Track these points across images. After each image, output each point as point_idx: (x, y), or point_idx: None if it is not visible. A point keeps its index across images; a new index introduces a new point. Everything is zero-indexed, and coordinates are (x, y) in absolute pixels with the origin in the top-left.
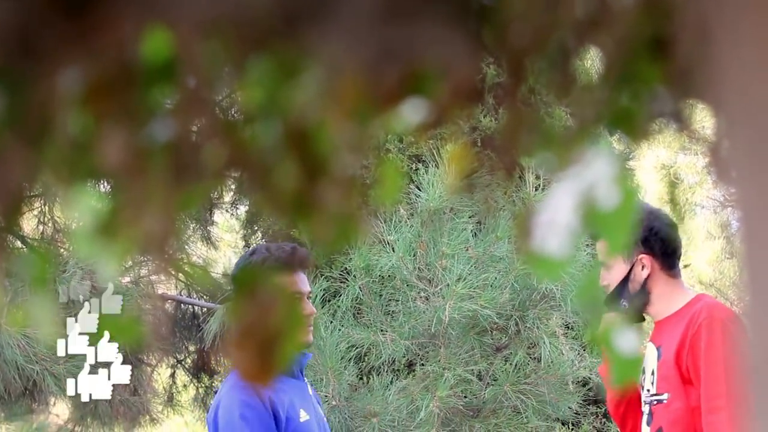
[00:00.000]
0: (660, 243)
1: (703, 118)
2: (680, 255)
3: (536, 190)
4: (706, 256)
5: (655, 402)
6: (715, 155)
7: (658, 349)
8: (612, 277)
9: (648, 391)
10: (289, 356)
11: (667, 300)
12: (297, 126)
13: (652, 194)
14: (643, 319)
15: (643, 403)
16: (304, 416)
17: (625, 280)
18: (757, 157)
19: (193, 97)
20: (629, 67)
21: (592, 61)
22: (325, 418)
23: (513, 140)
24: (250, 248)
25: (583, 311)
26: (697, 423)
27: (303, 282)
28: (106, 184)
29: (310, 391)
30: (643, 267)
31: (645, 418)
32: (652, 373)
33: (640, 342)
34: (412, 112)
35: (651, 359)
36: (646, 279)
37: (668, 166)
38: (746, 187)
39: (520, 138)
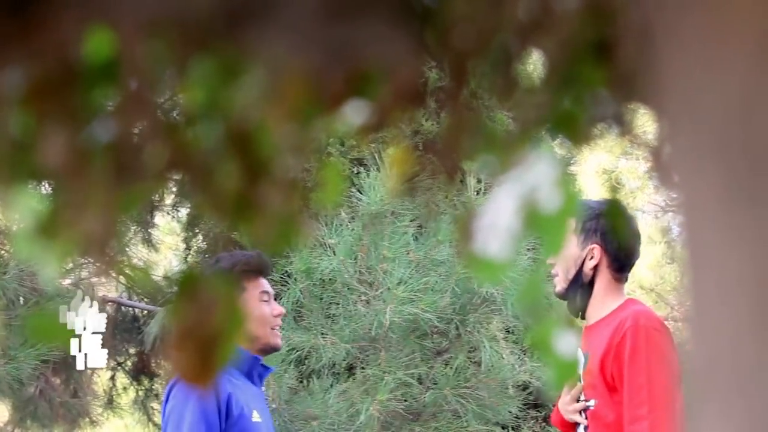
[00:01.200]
0: (617, 247)
1: (645, 123)
2: (632, 265)
3: (478, 194)
4: (647, 261)
5: (586, 408)
6: (657, 159)
7: (585, 355)
8: (561, 256)
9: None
10: (228, 357)
11: (601, 303)
12: (239, 127)
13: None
14: (583, 317)
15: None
16: (256, 417)
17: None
18: (699, 161)
19: (135, 97)
20: (572, 71)
21: (534, 65)
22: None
23: (455, 144)
24: (215, 257)
25: (524, 315)
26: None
27: (268, 285)
28: (46, 184)
29: (263, 394)
30: (591, 257)
31: (581, 426)
32: (579, 381)
33: (578, 344)
34: (354, 114)
35: (579, 366)
36: (593, 273)
37: (610, 170)
38: (688, 191)
39: (461, 141)
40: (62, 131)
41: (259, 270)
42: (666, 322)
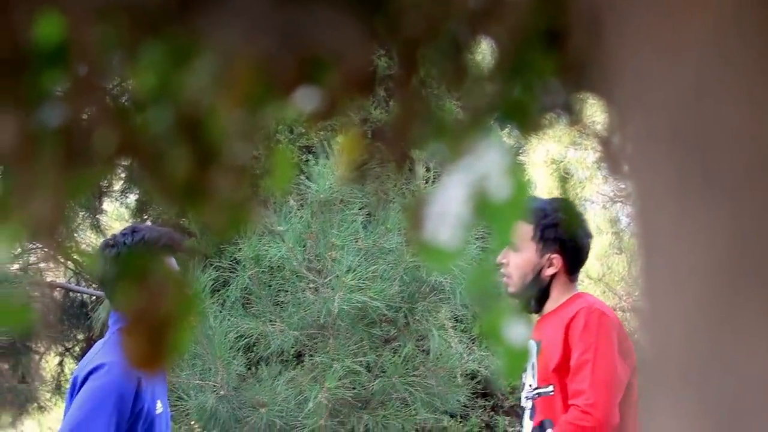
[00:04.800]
0: (575, 251)
1: (595, 113)
2: (584, 264)
3: (426, 182)
4: (595, 251)
5: (537, 395)
6: (607, 149)
7: (537, 343)
8: (517, 261)
9: (530, 386)
10: (182, 341)
11: (556, 300)
12: (189, 113)
13: (542, 189)
14: (535, 312)
15: (524, 399)
16: (159, 408)
17: (536, 274)
18: (651, 148)
19: (85, 82)
20: (522, 59)
21: (484, 53)
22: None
23: (404, 132)
24: (131, 227)
25: (473, 303)
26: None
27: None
28: None
29: (165, 381)
30: (551, 265)
31: (527, 413)
32: (533, 368)
33: (529, 334)
34: (304, 100)
35: (531, 354)
36: (550, 279)
37: (558, 160)
38: (639, 179)
39: (411, 129)
40: (11, 115)
41: (172, 248)
42: (615, 313)
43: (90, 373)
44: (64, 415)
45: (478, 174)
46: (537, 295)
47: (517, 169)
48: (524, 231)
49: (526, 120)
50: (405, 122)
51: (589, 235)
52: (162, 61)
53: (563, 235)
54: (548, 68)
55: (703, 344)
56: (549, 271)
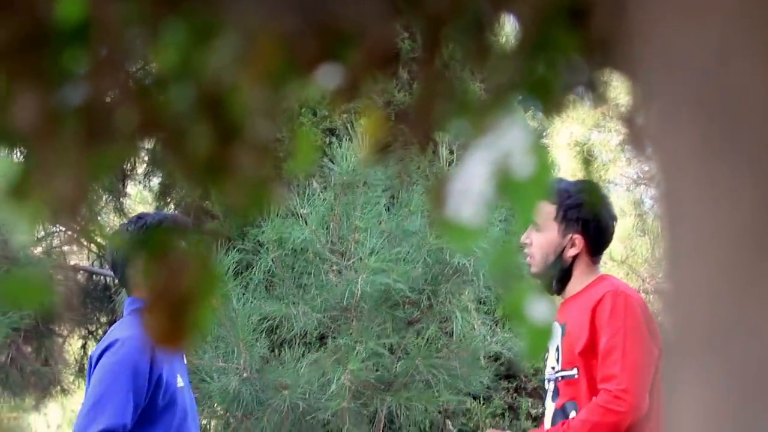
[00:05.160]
0: (598, 232)
1: (619, 94)
2: (607, 246)
3: (450, 164)
4: (619, 233)
5: (561, 378)
6: (631, 128)
7: (562, 326)
8: (540, 241)
9: (553, 368)
10: (203, 320)
11: (578, 282)
12: (210, 91)
13: (566, 171)
14: (557, 294)
15: (546, 381)
16: (180, 382)
17: (558, 254)
18: (675, 114)
19: (107, 60)
20: (545, 36)
21: (507, 31)
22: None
23: (427, 111)
24: (137, 215)
25: (496, 284)
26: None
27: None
28: (18, 148)
29: (185, 360)
30: (573, 245)
31: (549, 395)
32: (557, 350)
33: (552, 313)
34: (326, 78)
35: (555, 336)
36: (572, 260)
37: (582, 143)
38: (664, 145)
39: (434, 108)
40: (33, 94)
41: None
42: (641, 295)
43: (104, 350)
44: (85, 394)
45: (501, 152)
46: (559, 275)
47: (540, 149)
48: (547, 211)
49: (549, 98)
50: (428, 101)
51: (613, 217)
52: (183, 39)
53: (586, 216)
54: (572, 45)
55: (727, 310)
56: (571, 252)
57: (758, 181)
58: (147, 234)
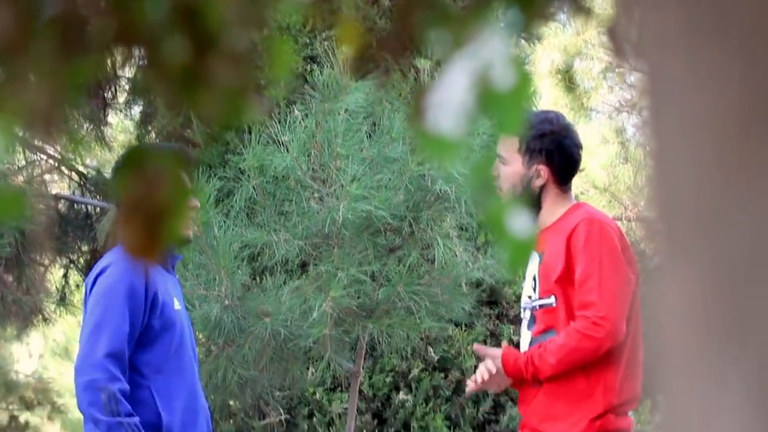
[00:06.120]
0: (562, 160)
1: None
2: (575, 174)
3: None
4: (601, 161)
5: (538, 307)
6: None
7: (539, 255)
8: (506, 173)
9: (529, 297)
10: (176, 232)
11: (551, 211)
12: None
13: (548, 99)
14: None
15: (522, 309)
16: (177, 305)
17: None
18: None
19: None
20: None
21: None
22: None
23: (407, 22)
24: (133, 147)
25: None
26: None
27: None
28: None
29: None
30: (538, 176)
31: (525, 323)
32: (534, 279)
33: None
34: None
35: (531, 266)
36: (540, 190)
37: (564, 71)
38: (650, 27)
39: (415, 18)
40: (6, 4)
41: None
42: (619, 222)
43: (98, 275)
44: (83, 320)
45: (481, 64)
46: (529, 205)
47: (518, 60)
48: (511, 143)
49: (531, 8)
50: (408, 11)
51: (577, 145)
52: None
53: (549, 146)
54: None
55: (714, 194)
56: (537, 183)
57: (746, 61)
58: (127, 152)
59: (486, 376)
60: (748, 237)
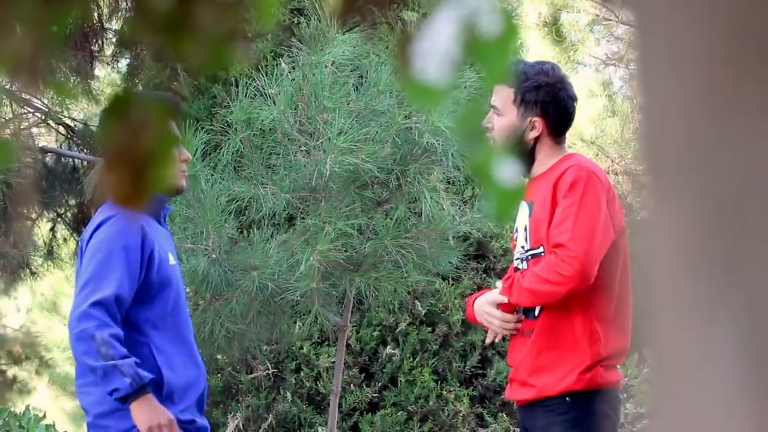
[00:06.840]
0: (557, 112)
1: None
2: (570, 126)
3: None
4: (588, 114)
5: (531, 257)
6: None
7: (529, 205)
8: (500, 124)
9: (522, 247)
10: (163, 179)
11: (545, 163)
12: None
13: (535, 52)
14: (524, 175)
15: (519, 261)
16: (171, 260)
17: (520, 137)
18: None
19: None
20: None
21: None
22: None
23: None
24: None
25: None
26: None
27: (177, 129)
28: None
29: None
30: (533, 128)
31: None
32: (525, 229)
33: (521, 174)
34: None
35: (522, 216)
36: (534, 142)
37: (551, 23)
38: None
39: None
40: None
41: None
42: (607, 175)
43: (95, 230)
44: (77, 275)
45: (468, 11)
46: (523, 157)
47: (505, 10)
48: (506, 95)
49: None
50: None
51: (572, 97)
52: None
53: (544, 98)
54: None
55: (702, 127)
56: (532, 134)
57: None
58: (113, 97)
59: (500, 330)
60: (736, 176)
